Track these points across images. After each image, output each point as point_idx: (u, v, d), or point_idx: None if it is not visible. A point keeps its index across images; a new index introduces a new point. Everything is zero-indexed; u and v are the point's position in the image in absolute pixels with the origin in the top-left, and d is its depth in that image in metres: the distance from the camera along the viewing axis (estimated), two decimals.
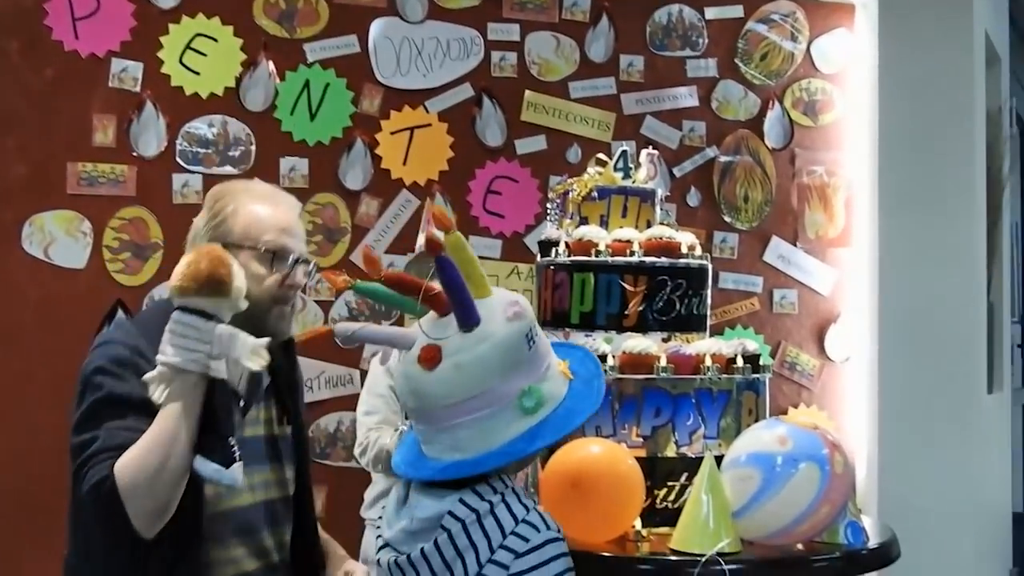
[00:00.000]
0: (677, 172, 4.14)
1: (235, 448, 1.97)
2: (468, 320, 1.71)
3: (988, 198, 4.64)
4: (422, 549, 1.71)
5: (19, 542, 3.41)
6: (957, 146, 4.38)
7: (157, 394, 1.94)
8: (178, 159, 3.64)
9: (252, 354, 1.96)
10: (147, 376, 1.95)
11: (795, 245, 4.26)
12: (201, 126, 3.66)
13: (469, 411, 1.72)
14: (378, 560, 1.81)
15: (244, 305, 1.99)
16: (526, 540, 1.69)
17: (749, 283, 4.20)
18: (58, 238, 3.52)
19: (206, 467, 1.94)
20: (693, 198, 4.15)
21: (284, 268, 2.13)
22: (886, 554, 2.35)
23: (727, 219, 4.19)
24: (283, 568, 2.17)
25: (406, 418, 1.85)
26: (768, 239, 4.24)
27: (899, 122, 4.29)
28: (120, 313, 3.53)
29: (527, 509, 1.73)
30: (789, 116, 4.28)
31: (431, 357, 1.70)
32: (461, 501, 1.72)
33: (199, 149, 3.66)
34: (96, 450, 1.93)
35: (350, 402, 3.54)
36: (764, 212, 4.23)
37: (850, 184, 4.34)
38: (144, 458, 1.90)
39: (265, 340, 1.98)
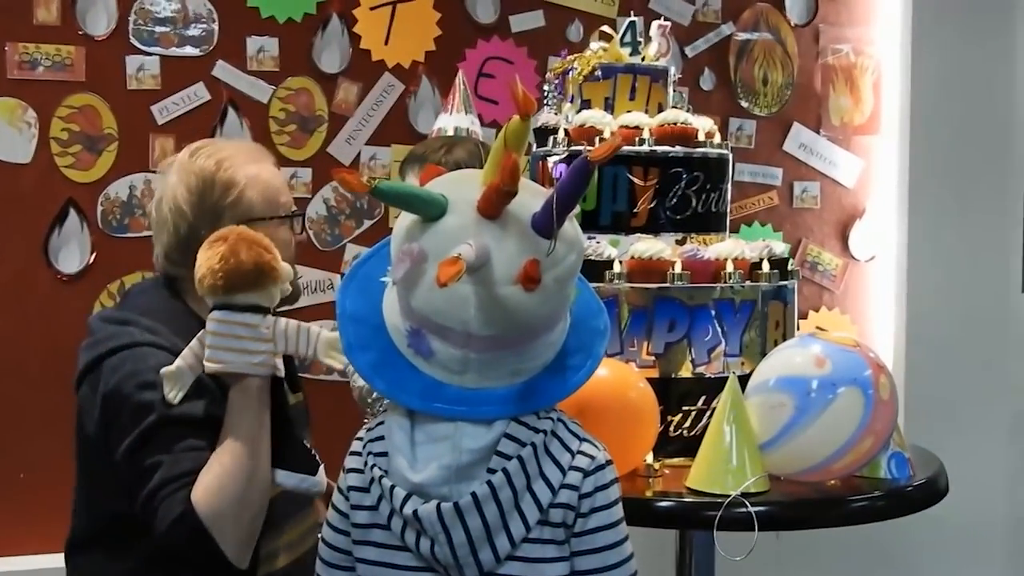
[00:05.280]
0: (689, 52, 3.82)
1: (313, 451, 1.84)
2: (556, 228, 1.48)
3: None
4: (490, 482, 1.49)
5: None
6: (998, 19, 4.06)
7: (173, 394, 1.76)
8: (132, 39, 3.29)
9: (330, 349, 1.77)
10: (164, 371, 1.76)
11: (818, 133, 3.99)
12: (157, 0, 3.31)
13: (552, 326, 1.56)
14: (407, 513, 1.52)
15: (288, 288, 1.83)
16: (592, 458, 1.56)
17: (768, 175, 3.93)
18: None
19: (290, 479, 1.80)
20: (707, 81, 3.84)
21: (299, 229, 2.05)
22: (934, 490, 2.09)
23: (744, 104, 3.89)
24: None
25: None
26: (789, 126, 3.96)
27: None
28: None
29: (579, 428, 1.61)
30: None
31: (536, 276, 1.45)
32: (518, 422, 1.53)
33: (155, 28, 3.31)
34: (160, 482, 1.74)
35: (329, 310, 3.25)
36: (785, 96, 3.94)
37: (879, 65, 4.04)
38: (229, 485, 1.73)
39: (337, 334, 1.76)
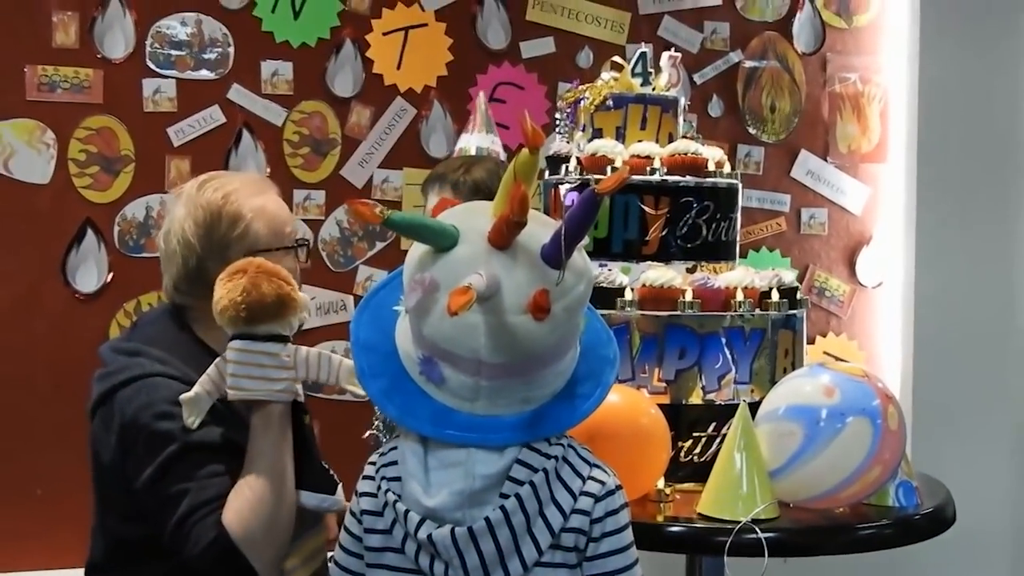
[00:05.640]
0: (698, 79, 3.82)
1: (331, 471, 1.88)
2: (565, 259, 1.50)
3: None
4: (503, 507, 1.50)
5: None
6: (1005, 48, 4.05)
7: (191, 419, 1.79)
8: (148, 62, 3.32)
9: (351, 376, 1.80)
10: (183, 397, 1.80)
11: (825, 160, 3.97)
12: (173, 25, 3.33)
13: (561, 355, 1.57)
14: (421, 537, 1.54)
15: (306, 317, 1.86)
16: (602, 484, 1.58)
17: (775, 201, 3.91)
18: (18, 150, 3.22)
19: (312, 499, 1.84)
20: (715, 108, 3.84)
21: (304, 255, 2.07)
22: (941, 518, 2.10)
23: (752, 131, 3.88)
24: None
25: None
26: (796, 153, 3.94)
27: (942, 22, 3.94)
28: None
29: (589, 453, 1.63)
30: (821, 17, 3.93)
31: (546, 306, 1.47)
32: (530, 449, 1.53)
33: (171, 51, 3.34)
34: (190, 508, 1.77)
35: (342, 330, 3.27)
36: (792, 124, 3.93)
37: (886, 93, 4.02)
38: (259, 507, 1.76)
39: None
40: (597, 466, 1.60)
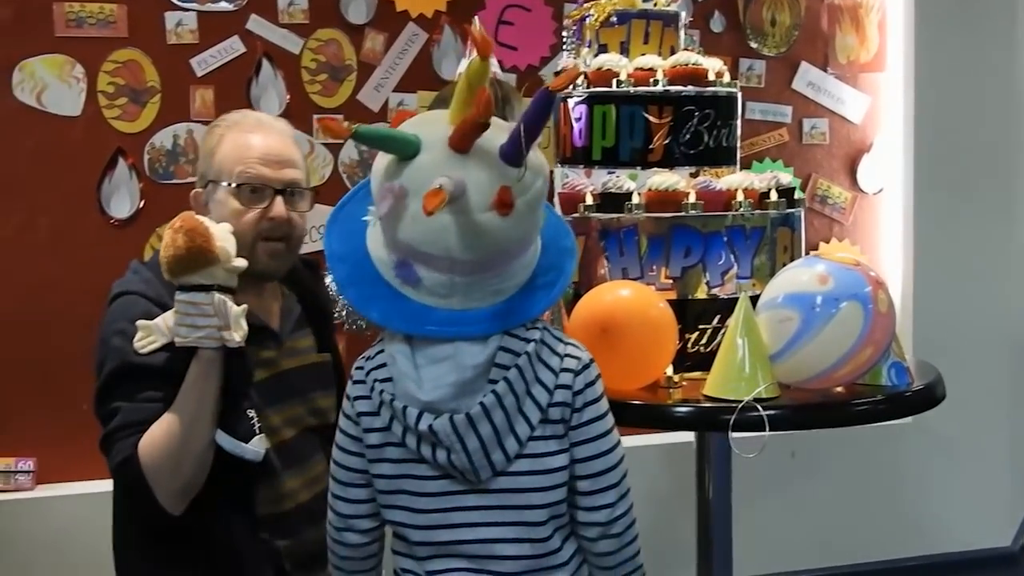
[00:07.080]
0: None
1: (254, 421, 1.96)
2: (524, 157, 1.59)
3: None
4: (494, 391, 1.63)
5: (19, 395, 3.36)
6: None
7: (141, 343, 1.90)
8: None
9: (239, 320, 1.91)
10: (140, 323, 1.90)
11: (825, 71, 4.06)
12: None
13: (526, 248, 1.69)
14: (422, 429, 1.66)
15: (242, 263, 1.92)
16: (578, 359, 1.72)
17: (777, 113, 4.02)
18: (50, 84, 3.35)
19: (228, 442, 1.94)
20: (717, 23, 3.93)
21: (263, 201, 2.05)
22: (931, 395, 2.24)
23: (753, 45, 3.98)
24: None
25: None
26: (797, 65, 4.04)
27: None
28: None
29: (561, 333, 1.76)
30: None
31: (509, 201, 1.57)
32: (510, 335, 1.66)
33: None
34: (118, 425, 1.91)
35: None
36: (792, 36, 4.02)
37: (883, 3, 4.09)
38: (167, 441, 1.88)
39: (244, 308, 1.91)
40: (571, 343, 1.74)
